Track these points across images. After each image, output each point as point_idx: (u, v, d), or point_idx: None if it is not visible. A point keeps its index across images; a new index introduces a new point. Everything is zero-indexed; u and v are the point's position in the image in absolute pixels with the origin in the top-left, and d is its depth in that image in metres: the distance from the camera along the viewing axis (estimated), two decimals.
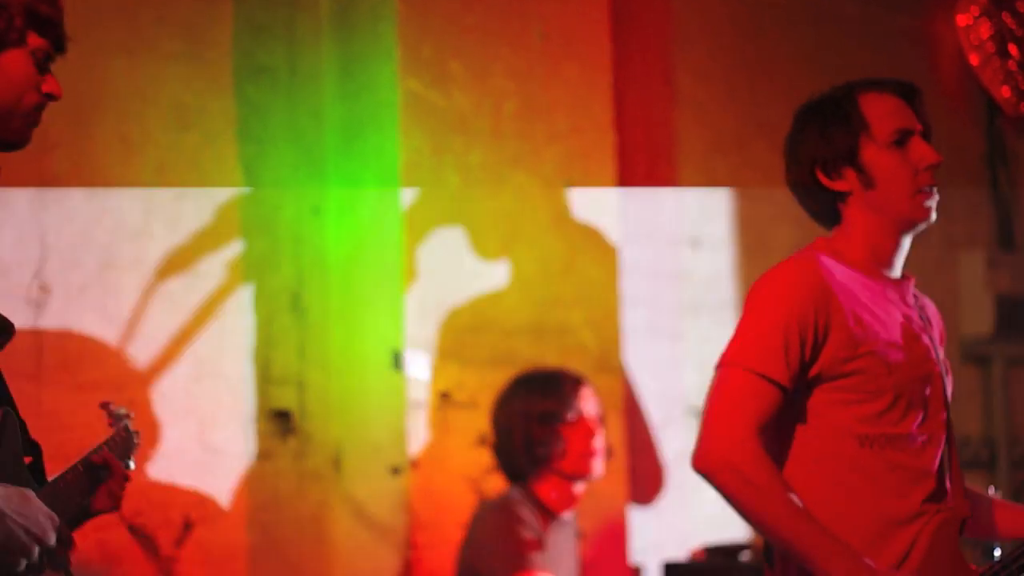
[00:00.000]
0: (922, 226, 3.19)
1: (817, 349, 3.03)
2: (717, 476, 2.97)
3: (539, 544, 4.35)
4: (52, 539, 2.50)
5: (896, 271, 3.21)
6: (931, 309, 3.31)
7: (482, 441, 5.11)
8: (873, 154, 3.12)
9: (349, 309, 5.30)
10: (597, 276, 5.54)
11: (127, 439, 3.08)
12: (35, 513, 2.47)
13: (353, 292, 5.31)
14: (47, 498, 2.53)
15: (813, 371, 3.05)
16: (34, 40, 2.70)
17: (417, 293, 5.17)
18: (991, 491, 4.53)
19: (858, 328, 3.05)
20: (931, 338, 3.21)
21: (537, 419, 4.54)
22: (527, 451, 4.56)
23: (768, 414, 3.00)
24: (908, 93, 3.19)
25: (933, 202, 3.16)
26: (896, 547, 3.03)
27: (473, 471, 5.16)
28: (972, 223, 7.18)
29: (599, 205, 5.61)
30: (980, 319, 7.06)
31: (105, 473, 2.91)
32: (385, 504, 5.14)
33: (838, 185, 3.14)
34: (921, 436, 3.10)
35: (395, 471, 5.10)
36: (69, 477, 2.81)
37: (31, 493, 2.50)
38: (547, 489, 4.53)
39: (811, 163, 3.15)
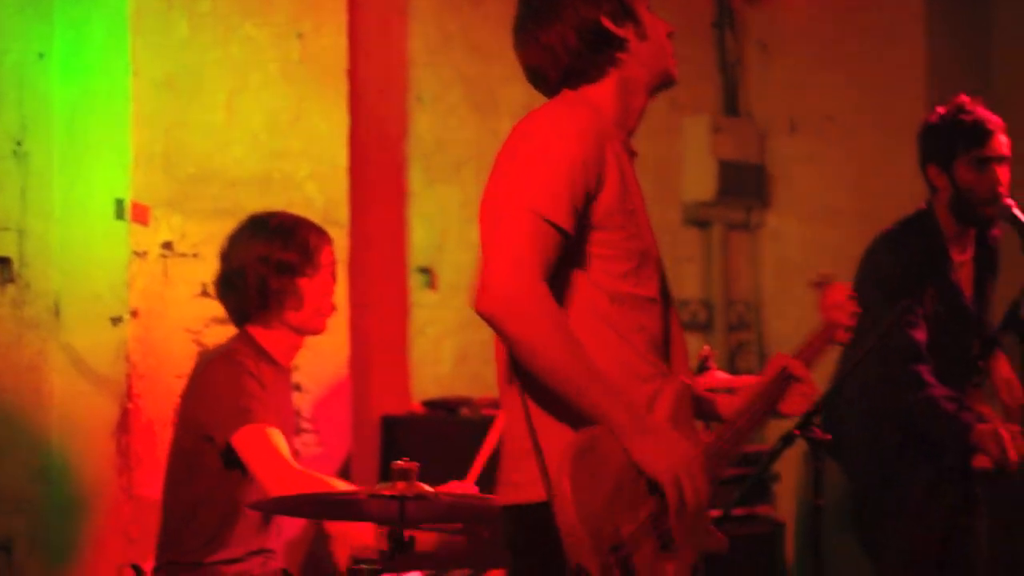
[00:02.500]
0: (668, 86, 3.28)
1: (592, 197, 3.01)
2: (502, 319, 2.88)
3: (263, 396, 4.27)
4: None
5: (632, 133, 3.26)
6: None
7: (204, 292, 5.10)
8: (644, 12, 3.19)
9: (73, 156, 5.21)
10: (325, 130, 5.54)
11: None
12: None
13: (77, 139, 5.22)
14: None
15: (587, 219, 3.01)
16: None
17: (142, 142, 5.11)
18: (706, 350, 4.73)
19: (622, 183, 3.07)
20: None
21: (275, 267, 4.40)
22: (260, 297, 4.41)
23: (553, 259, 2.95)
24: None
25: None
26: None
27: (194, 322, 5.15)
28: (697, 88, 7.32)
29: (329, 58, 5.58)
30: (702, 184, 7.22)
31: None
32: (104, 354, 5.10)
33: (623, 32, 3.14)
34: (658, 300, 3.16)
35: (115, 321, 5.06)
36: None
37: None
38: (274, 340, 4.44)
39: (598, 8, 3.13)
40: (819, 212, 7.28)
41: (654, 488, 2.96)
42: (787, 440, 3.94)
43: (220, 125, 5.30)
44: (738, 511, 5.30)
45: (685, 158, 7.24)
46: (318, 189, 5.49)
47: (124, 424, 5.02)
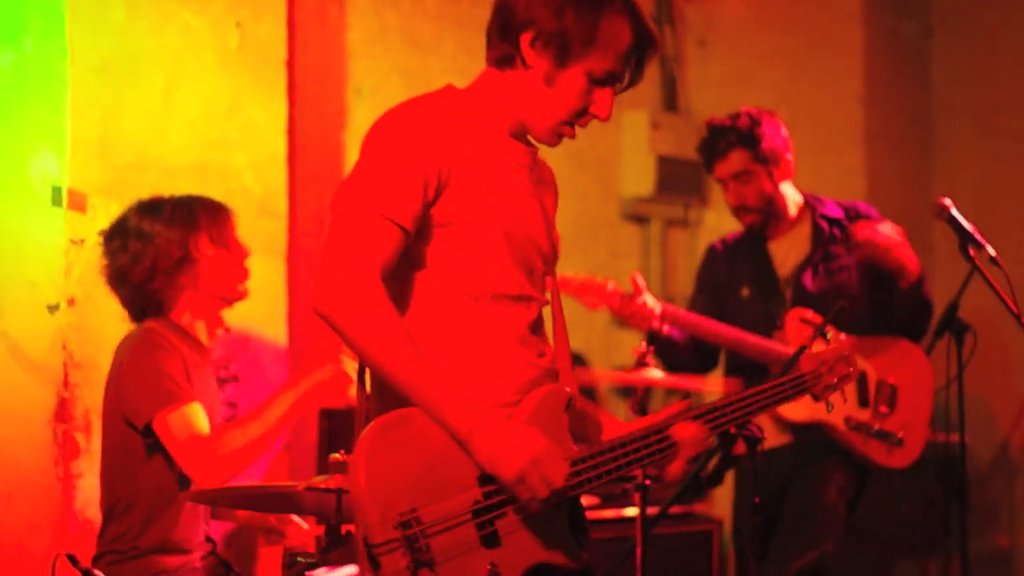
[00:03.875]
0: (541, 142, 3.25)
1: (439, 195, 3.02)
2: (336, 317, 2.90)
3: (182, 373, 4.22)
4: None
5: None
6: (548, 174, 3.34)
7: None
8: (574, 76, 3.08)
9: (9, 143, 5.16)
10: (263, 119, 5.52)
11: None
12: None
13: (14, 125, 5.17)
14: None
15: (437, 217, 3.03)
16: None
17: (79, 128, 5.07)
18: (643, 347, 4.76)
19: (488, 179, 3.07)
20: (542, 202, 3.24)
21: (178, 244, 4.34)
22: (153, 288, 4.35)
23: (391, 257, 2.97)
24: None
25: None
26: (504, 400, 3.08)
27: None
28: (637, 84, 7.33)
29: (268, 48, 5.57)
30: (641, 179, 7.24)
31: None
32: (41, 342, 5.05)
33: (532, 61, 3.08)
34: (526, 297, 3.14)
35: (52, 309, 5.02)
36: None
37: None
38: (191, 318, 4.38)
39: (529, 27, 3.07)
40: None
41: (485, 481, 2.96)
42: (725, 438, 3.97)
43: (157, 113, 5.27)
44: (675, 509, 5.33)
45: (624, 154, 7.26)
46: (256, 179, 5.47)
47: (60, 412, 4.98)
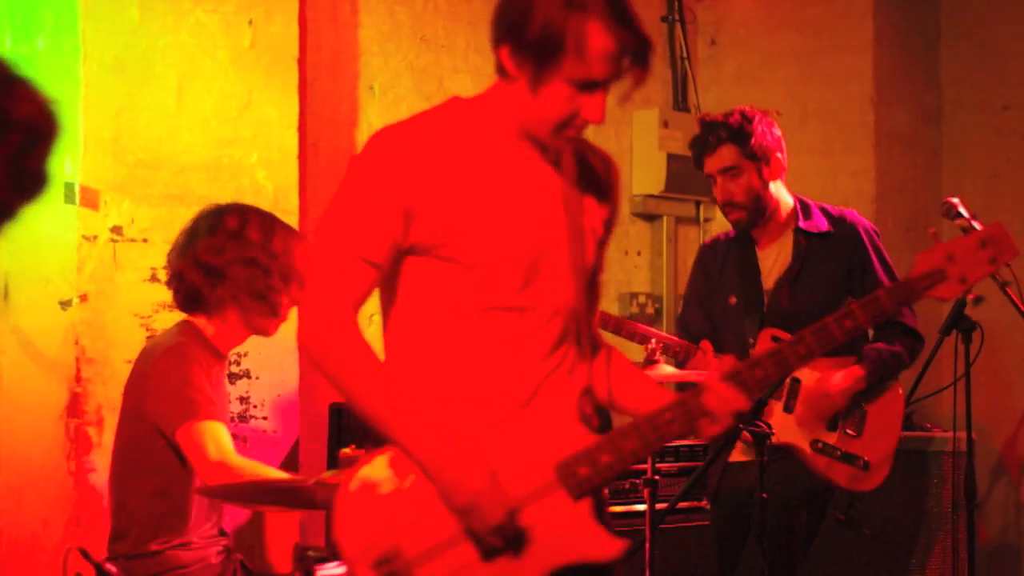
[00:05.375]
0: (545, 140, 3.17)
1: (411, 225, 2.99)
2: (310, 353, 2.99)
3: (209, 390, 4.25)
4: None
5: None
6: (599, 163, 3.28)
7: (153, 277, 5.10)
8: (554, 81, 2.99)
9: None
10: (276, 117, 5.53)
11: None
12: None
13: None
14: None
15: (417, 237, 3.01)
16: None
17: (92, 126, 5.10)
18: (653, 344, 4.77)
19: (473, 195, 3.02)
20: (574, 199, 3.17)
21: (272, 272, 4.35)
22: (245, 295, 4.35)
23: (365, 293, 3.01)
24: None
25: None
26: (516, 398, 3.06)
27: (143, 307, 5.15)
28: (647, 83, 7.33)
29: (280, 46, 5.59)
30: (651, 178, 7.26)
31: None
32: (53, 338, 5.10)
33: (514, 72, 3.02)
34: (538, 306, 3.09)
35: (64, 305, 5.06)
36: None
37: None
38: (220, 332, 4.38)
39: (508, 38, 3.02)
40: None
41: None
42: (731, 434, 3.98)
43: (170, 111, 5.29)
44: (684, 504, 5.34)
45: (634, 152, 7.28)
46: (268, 176, 5.49)
47: (73, 408, 5.02)
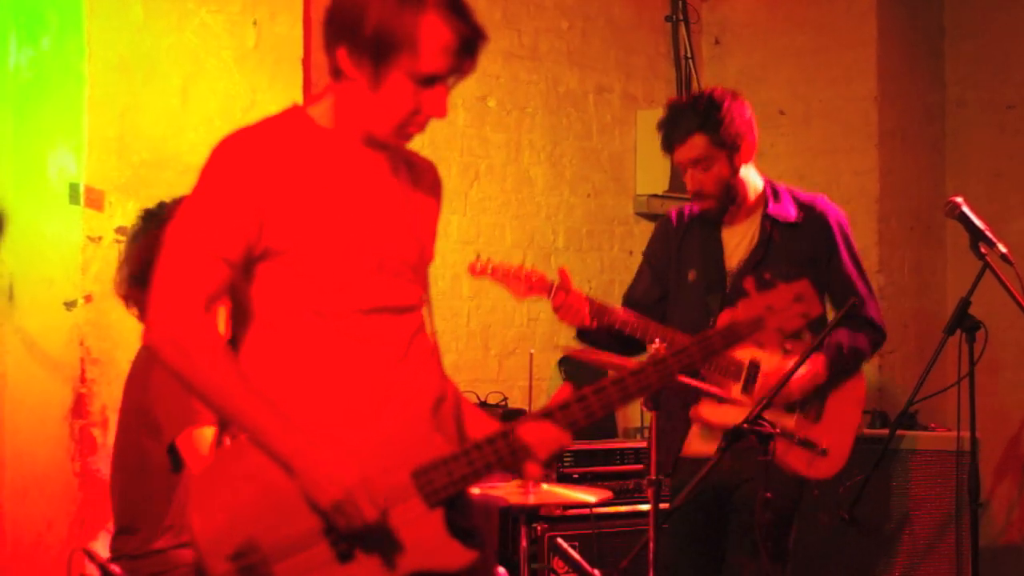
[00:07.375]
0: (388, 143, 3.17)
1: (264, 226, 2.97)
2: (161, 351, 2.91)
3: None
4: None
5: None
6: (429, 173, 3.28)
7: None
8: (396, 77, 3.00)
9: (27, 140, 5.21)
10: None
11: None
12: None
13: (32, 123, 5.22)
14: None
15: (271, 245, 2.98)
16: None
17: (96, 126, 5.11)
18: (658, 345, 4.73)
19: (317, 200, 3.01)
20: (413, 206, 3.19)
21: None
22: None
23: (217, 289, 2.96)
24: None
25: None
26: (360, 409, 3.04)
27: None
28: (651, 82, 7.36)
29: (284, 46, 5.59)
30: (655, 177, 7.25)
31: None
32: (58, 338, 5.10)
33: (352, 73, 3.00)
34: (385, 308, 3.08)
35: (69, 305, 5.06)
36: None
37: None
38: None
39: (343, 40, 3.01)
40: None
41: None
42: (735, 434, 3.97)
43: (175, 111, 5.30)
44: None
45: (638, 152, 7.27)
46: None
47: (77, 408, 5.03)
